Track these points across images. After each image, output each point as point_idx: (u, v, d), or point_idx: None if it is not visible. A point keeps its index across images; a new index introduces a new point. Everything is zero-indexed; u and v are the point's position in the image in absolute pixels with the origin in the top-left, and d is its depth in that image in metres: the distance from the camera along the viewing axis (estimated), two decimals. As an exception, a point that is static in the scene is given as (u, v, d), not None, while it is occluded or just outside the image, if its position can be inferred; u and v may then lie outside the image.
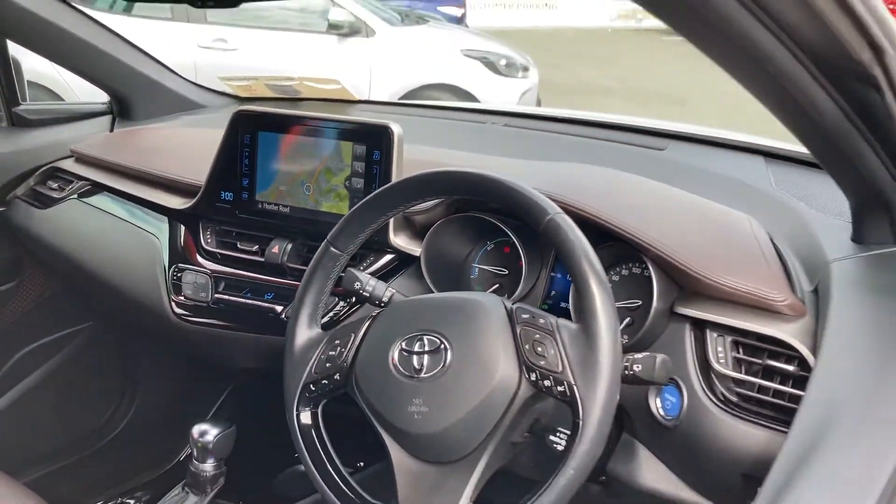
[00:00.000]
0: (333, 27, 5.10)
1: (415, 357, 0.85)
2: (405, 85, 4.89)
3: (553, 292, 1.10)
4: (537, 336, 0.81)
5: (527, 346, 0.81)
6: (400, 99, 4.85)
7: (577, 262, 0.80)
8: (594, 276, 0.79)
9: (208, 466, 1.16)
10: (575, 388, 0.77)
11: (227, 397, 1.74)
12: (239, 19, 4.93)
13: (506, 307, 0.86)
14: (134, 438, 1.72)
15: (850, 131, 0.70)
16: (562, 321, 0.82)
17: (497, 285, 1.13)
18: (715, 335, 0.90)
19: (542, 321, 0.82)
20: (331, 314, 1.18)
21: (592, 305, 0.78)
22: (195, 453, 1.17)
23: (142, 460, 1.71)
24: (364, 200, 0.97)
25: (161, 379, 1.77)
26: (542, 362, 0.80)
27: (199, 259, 1.31)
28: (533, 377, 0.80)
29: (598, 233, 0.96)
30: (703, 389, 0.89)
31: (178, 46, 4.39)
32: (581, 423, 0.76)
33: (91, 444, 1.71)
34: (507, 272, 1.13)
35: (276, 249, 1.22)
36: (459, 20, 10.52)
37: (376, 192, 0.96)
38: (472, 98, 5.04)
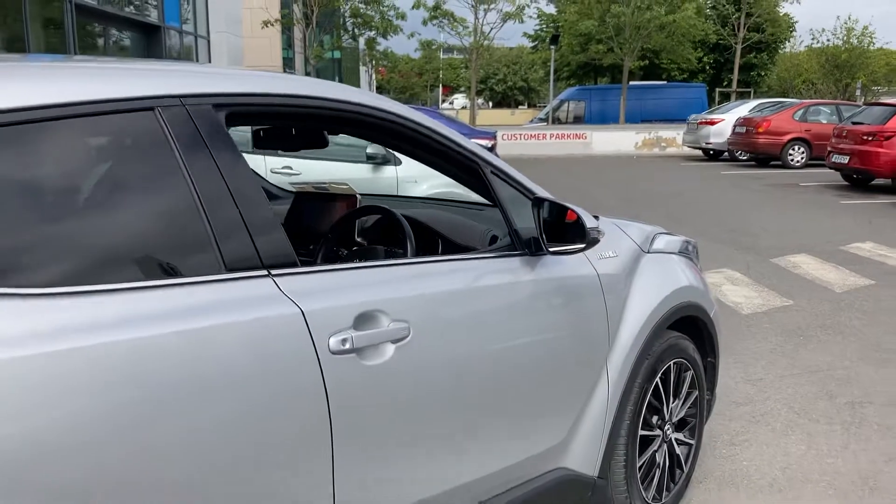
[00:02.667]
0: (370, 158, 6.93)
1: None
2: (420, 199, 6.59)
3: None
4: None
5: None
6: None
7: (403, 232, 2.42)
8: (407, 234, 2.40)
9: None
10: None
11: None
12: (301, 152, 6.72)
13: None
14: None
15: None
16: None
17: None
18: None
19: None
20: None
21: (404, 238, 2.39)
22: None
23: None
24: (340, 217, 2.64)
25: None
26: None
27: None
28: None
29: (423, 228, 2.58)
30: None
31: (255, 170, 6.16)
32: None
33: None
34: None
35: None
36: (489, 150, 12.37)
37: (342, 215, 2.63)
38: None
